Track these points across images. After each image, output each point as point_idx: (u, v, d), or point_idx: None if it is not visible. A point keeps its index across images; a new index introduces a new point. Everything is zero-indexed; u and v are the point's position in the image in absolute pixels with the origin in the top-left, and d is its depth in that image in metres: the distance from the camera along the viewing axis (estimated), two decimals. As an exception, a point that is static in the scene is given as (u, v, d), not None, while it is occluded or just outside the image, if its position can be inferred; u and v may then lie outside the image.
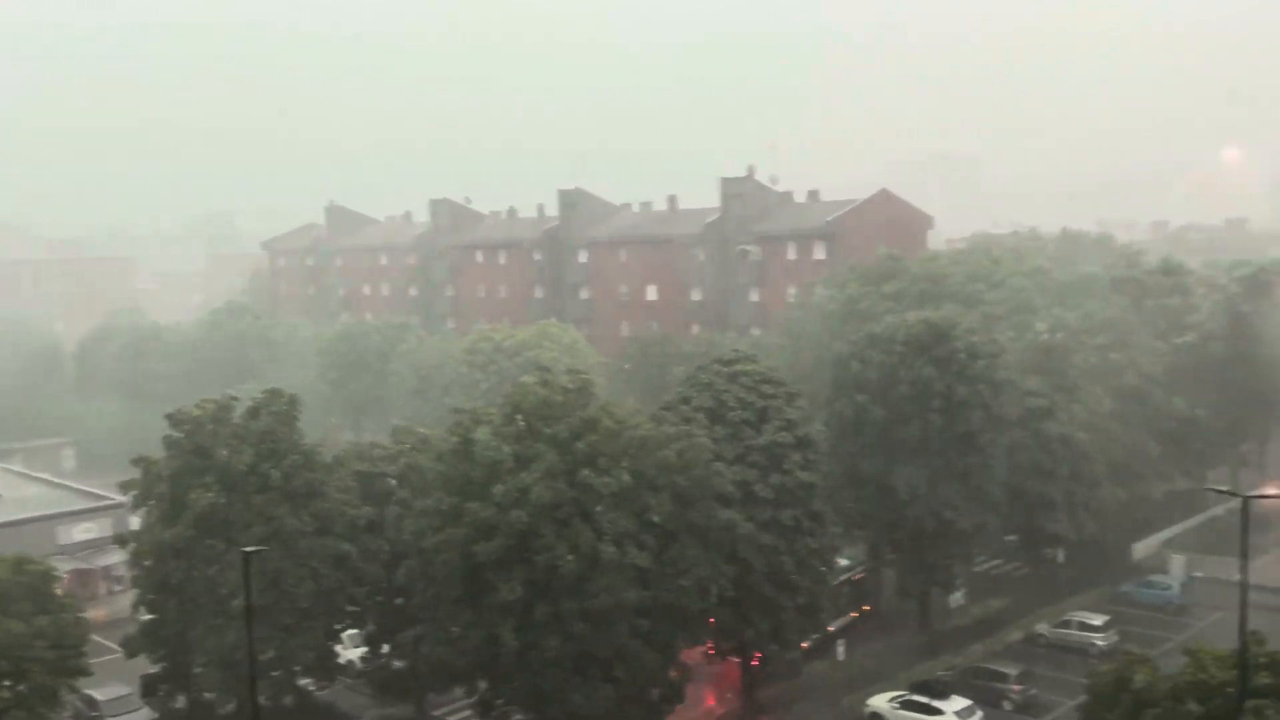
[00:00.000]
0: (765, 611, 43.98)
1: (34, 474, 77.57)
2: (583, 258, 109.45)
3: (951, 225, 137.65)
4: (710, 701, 47.36)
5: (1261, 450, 77.13)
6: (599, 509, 36.91)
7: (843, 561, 52.98)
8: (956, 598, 58.72)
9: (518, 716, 39.24)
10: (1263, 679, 28.60)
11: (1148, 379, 62.58)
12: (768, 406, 44.63)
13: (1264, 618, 33.92)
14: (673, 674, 40.19)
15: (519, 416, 38.76)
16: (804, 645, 48.81)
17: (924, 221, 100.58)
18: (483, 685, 39.66)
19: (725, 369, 45.78)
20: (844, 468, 51.00)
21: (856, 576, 56.01)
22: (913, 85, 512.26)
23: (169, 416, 42.78)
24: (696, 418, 42.63)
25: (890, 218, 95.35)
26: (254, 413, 42.52)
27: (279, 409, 42.40)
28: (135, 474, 42.86)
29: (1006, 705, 47.09)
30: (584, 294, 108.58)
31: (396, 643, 45.26)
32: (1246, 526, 28.90)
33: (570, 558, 35.57)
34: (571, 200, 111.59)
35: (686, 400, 44.89)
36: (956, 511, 51.45)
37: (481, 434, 38.32)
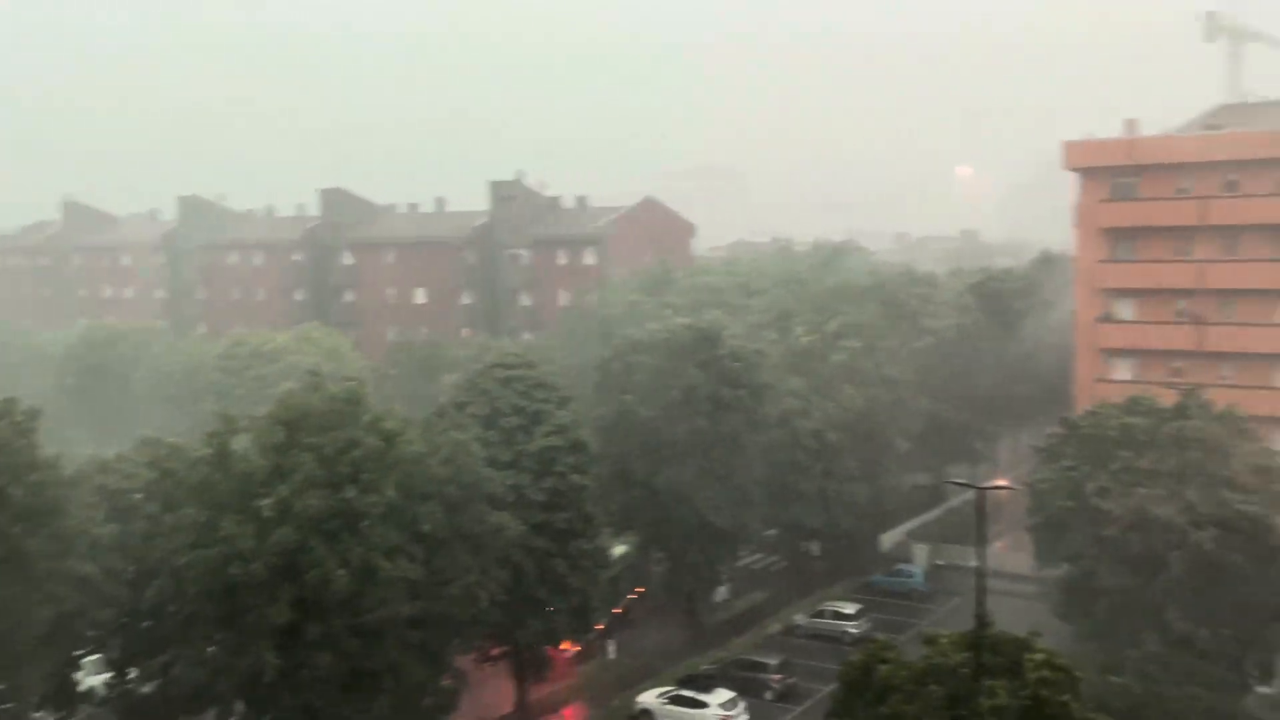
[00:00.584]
0: (537, 613, 44.08)
1: None
2: (347, 259, 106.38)
3: (714, 234, 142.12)
4: (484, 706, 46.95)
5: (994, 446, 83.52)
6: (366, 524, 35.94)
7: (618, 550, 53.60)
8: (721, 593, 60.70)
9: (282, 736, 37.64)
10: (994, 659, 30.90)
11: (894, 381, 66.61)
12: (540, 411, 44.76)
13: (996, 600, 36.75)
14: (445, 681, 39.67)
15: (280, 427, 37.23)
16: (573, 646, 49.23)
17: (687, 229, 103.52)
18: (240, 707, 37.86)
19: (500, 374, 45.59)
20: (613, 470, 51.77)
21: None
22: (677, 98, 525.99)
23: None
24: (469, 424, 42.25)
25: (656, 225, 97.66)
26: None
27: (18, 421, 38.98)
28: None
29: (768, 695, 49.01)
30: (349, 297, 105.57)
31: (146, 667, 42.54)
32: (982, 516, 31.13)
33: (342, 573, 34.50)
34: (334, 200, 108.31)
35: (461, 406, 44.42)
36: (720, 510, 53.24)
37: (239, 444, 36.62)
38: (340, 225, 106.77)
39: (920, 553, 67.13)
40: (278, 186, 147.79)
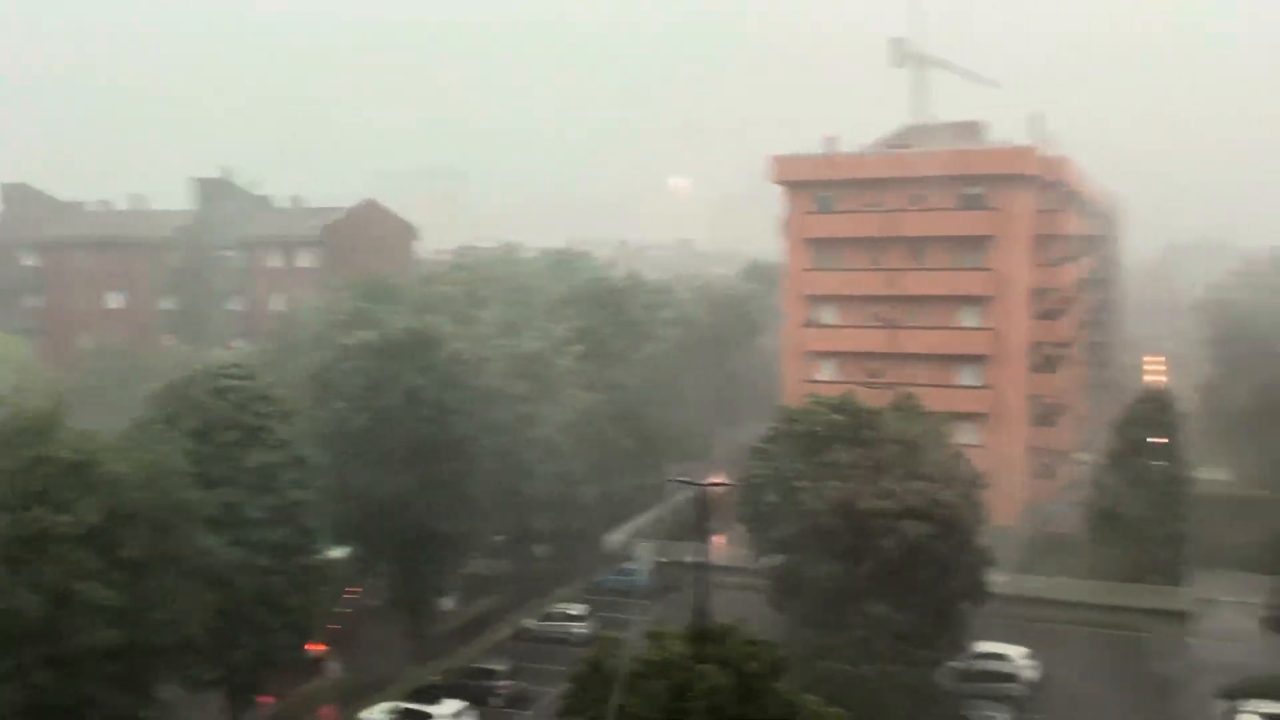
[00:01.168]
0: (253, 634, 41.87)
1: None
2: (30, 261, 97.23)
3: (438, 237, 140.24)
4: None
5: (713, 445, 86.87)
6: (62, 548, 32.88)
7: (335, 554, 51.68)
8: (449, 601, 59.91)
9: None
10: (712, 648, 32.22)
11: (620, 385, 68.05)
12: (259, 426, 42.56)
13: (717, 593, 38.21)
14: (146, 715, 36.88)
15: None
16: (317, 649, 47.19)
17: (409, 232, 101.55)
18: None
19: (213, 385, 42.94)
20: (332, 480, 49.97)
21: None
22: (397, 99, 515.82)
23: None
24: (176, 439, 39.52)
25: (376, 228, 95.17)
26: None
27: None
28: None
29: (497, 701, 48.82)
30: (33, 302, 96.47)
31: None
32: (703, 513, 32.33)
33: (35, 600, 31.40)
34: (16, 196, 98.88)
35: (170, 420, 41.40)
36: (446, 517, 52.51)
37: None
38: (21, 223, 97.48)
39: (644, 551, 68.92)
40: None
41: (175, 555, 36.39)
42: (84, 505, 33.61)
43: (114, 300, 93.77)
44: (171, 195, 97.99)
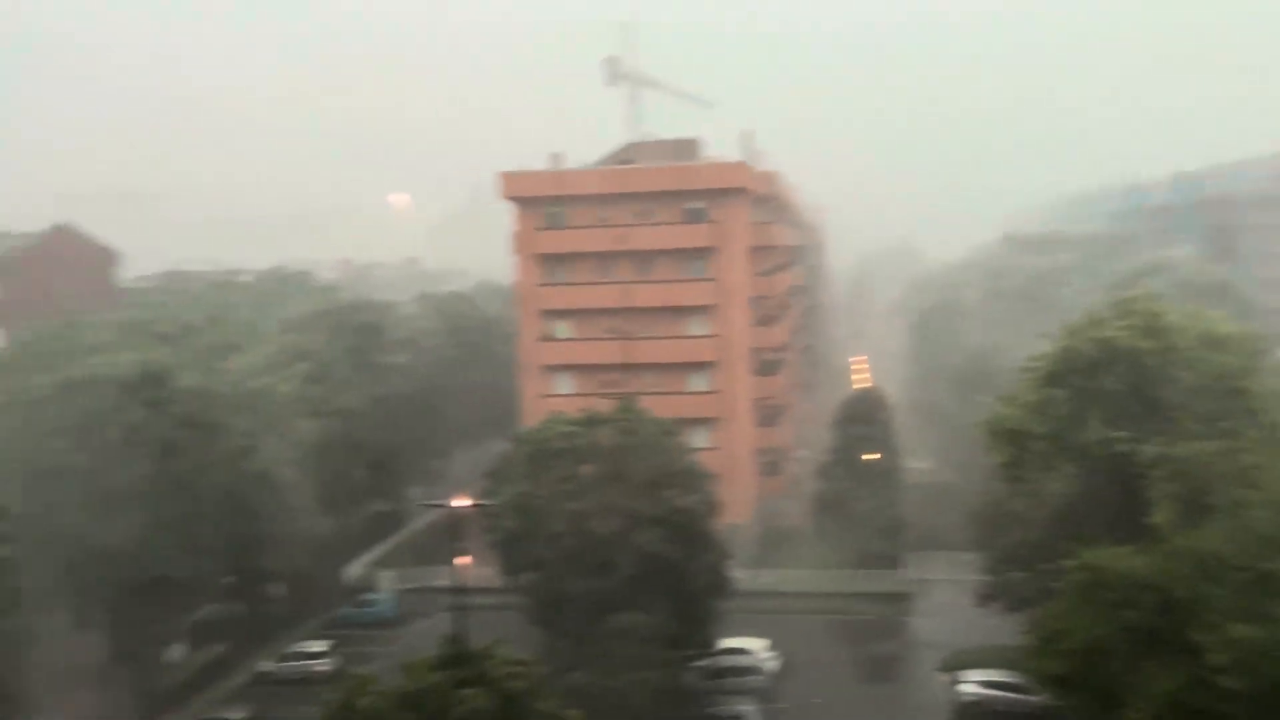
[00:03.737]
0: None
1: None
2: None
3: (138, 262, 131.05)
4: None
5: (451, 465, 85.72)
6: None
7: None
8: (176, 650, 55.90)
9: None
10: (468, 672, 31.75)
11: (347, 410, 65.73)
12: None
13: (471, 615, 37.61)
14: None
15: None
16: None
17: (110, 257, 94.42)
18: None
19: None
20: (40, 527, 45.61)
21: None
22: (78, 114, 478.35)
23: None
24: None
25: (71, 254, 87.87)
26: None
27: None
28: None
29: (238, 753, 46.02)
30: None
31: None
32: (455, 533, 31.76)
33: None
34: None
35: None
36: (171, 562, 49.05)
37: None
38: None
39: (385, 579, 66.99)
40: None
41: None
42: None
43: None
44: None
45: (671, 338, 69.57)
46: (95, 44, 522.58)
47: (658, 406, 55.68)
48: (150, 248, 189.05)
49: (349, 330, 71.81)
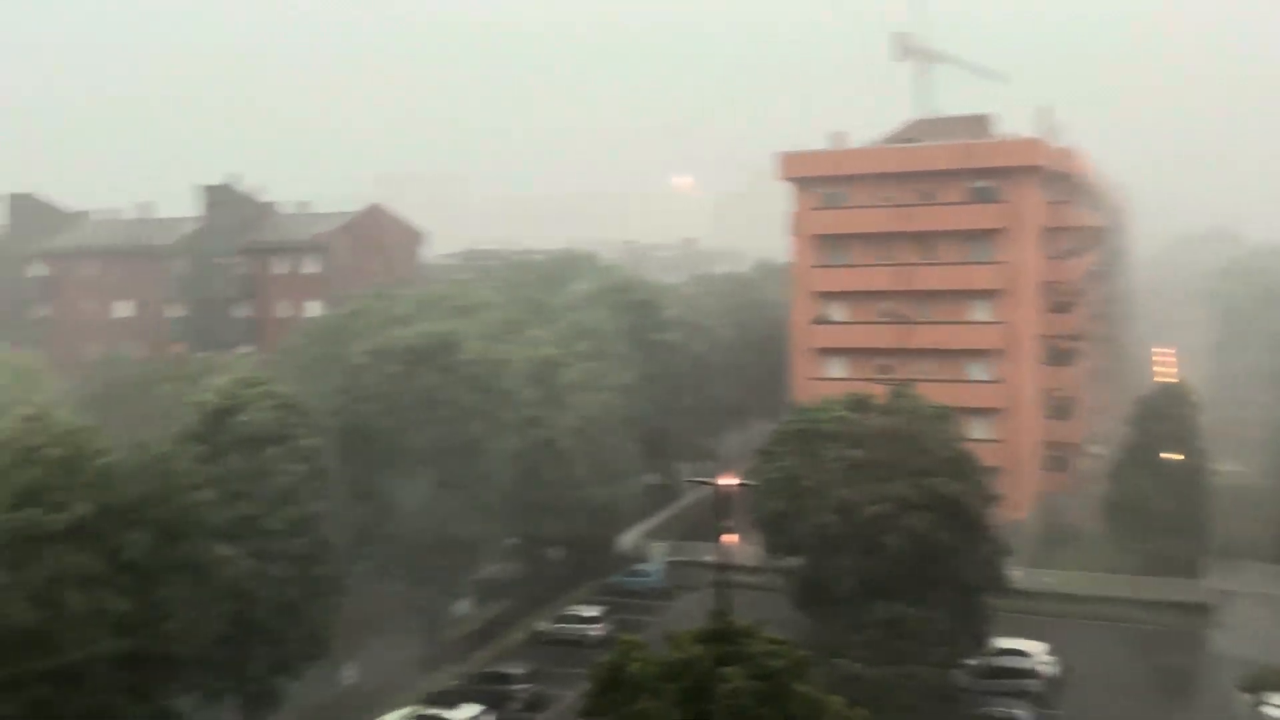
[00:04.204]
0: (269, 643, 41.73)
1: None
2: (39, 271, 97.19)
3: (441, 241, 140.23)
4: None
5: (721, 444, 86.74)
6: (55, 548, 32.60)
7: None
8: (463, 606, 59.75)
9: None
10: (730, 649, 32.00)
11: (624, 386, 67.77)
12: (285, 435, 42.46)
13: (735, 592, 37.92)
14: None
15: None
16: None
17: (415, 237, 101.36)
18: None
19: (239, 396, 42.72)
20: (350, 484, 49.93)
21: None
22: (398, 102, 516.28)
23: None
24: (193, 449, 39.48)
25: (382, 232, 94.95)
26: None
27: None
28: None
29: (515, 705, 48.59)
30: (42, 312, 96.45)
31: None
32: (722, 511, 32.05)
33: (24, 605, 31.06)
34: (23, 207, 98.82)
35: (205, 438, 41.14)
36: (461, 521, 52.42)
37: None
38: (27, 235, 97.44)
39: (657, 551, 68.68)
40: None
41: (186, 563, 36.19)
42: (74, 500, 33.21)
43: (122, 309, 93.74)
44: (179, 203, 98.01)
45: (953, 323, 67.15)
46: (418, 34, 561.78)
47: (935, 394, 54.05)
48: (453, 227, 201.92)
49: (628, 309, 73.87)
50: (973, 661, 47.06)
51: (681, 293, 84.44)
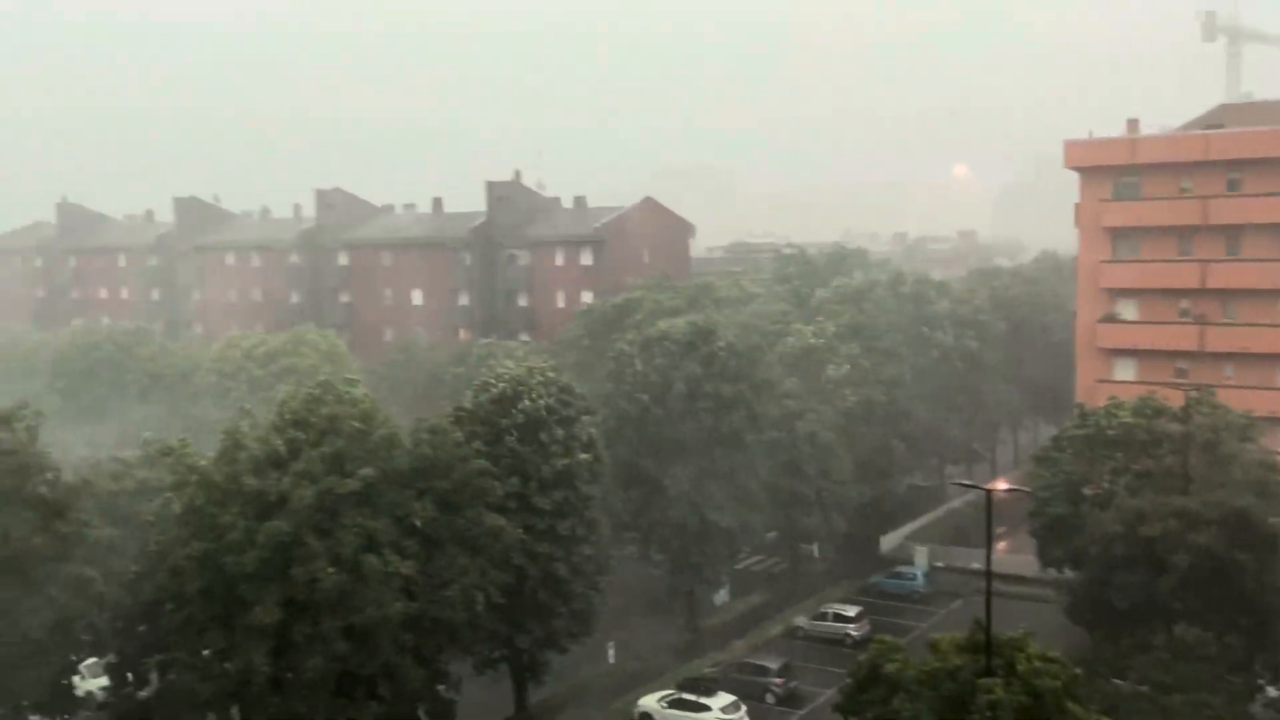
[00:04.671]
0: (538, 618, 43.68)
1: None
2: (343, 260, 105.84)
3: (710, 234, 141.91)
4: (480, 710, 46.44)
5: (993, 446, 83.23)
6: (347, 514, 35.38)
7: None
8: (721, 595, 60.32)
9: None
10: (993, 661, 30.64)
11: (891, 382, 66.19)
12: (565, 418, 44.35)
13: (1000, 603, 36.35)
14: (441, 688, 39.13)
15: (289, 424, 36.83)
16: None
17: (686, 229, 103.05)
18: (235, 713, 37.30)
19: (525, 382, 44.94)
20: (618, 470, 51.43)
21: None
22: (671, 97, 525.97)
23: None
24: (477, 431, 41.93)
25: (655, 225, 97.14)
26: (5, 425, 38.58)
27: (29, 425, 38.73)
28: None
29: (769, 698, 48.59)
30: (344, 298, 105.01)
31: (139, 671, 42.10)
32: (990, 518, 30.77)
33: (331, 570, 33.95)
34: (330, 201, 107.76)
35: (488, 420, 43.66)
36: (722, 510, 52.94)
37: (252, 440, 36.37)
38: (337, 226, 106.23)
39: (920, 554, 66.80)
40: (273, 187, 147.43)
41: (463, 533, 38.44)
42: (365, 468, 35.89)
43: (416, 297, 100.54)
44: (469, 199, 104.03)
45: (1262, 325, 61.39)
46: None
47: (1237, 401, 49.67)
48: (723, 221, 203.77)
49: (898, 303, 72.07)
50: (1273, 693, 42.94)
51: (955, 287, 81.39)
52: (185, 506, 36.36)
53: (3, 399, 43.04)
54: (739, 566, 63.74)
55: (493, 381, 45.33)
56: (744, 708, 46.43)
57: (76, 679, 41.80)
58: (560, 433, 43.84)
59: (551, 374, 45.95)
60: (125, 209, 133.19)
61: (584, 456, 44.09)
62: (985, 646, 30.07)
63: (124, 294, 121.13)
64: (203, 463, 37.44)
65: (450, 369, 68.96)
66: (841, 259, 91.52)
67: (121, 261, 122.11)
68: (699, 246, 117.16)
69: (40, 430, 40.00)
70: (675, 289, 73.53)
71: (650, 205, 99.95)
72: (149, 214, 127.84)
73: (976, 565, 58.08)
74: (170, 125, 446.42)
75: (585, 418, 45.85)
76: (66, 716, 41.16)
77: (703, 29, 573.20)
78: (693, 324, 54.16)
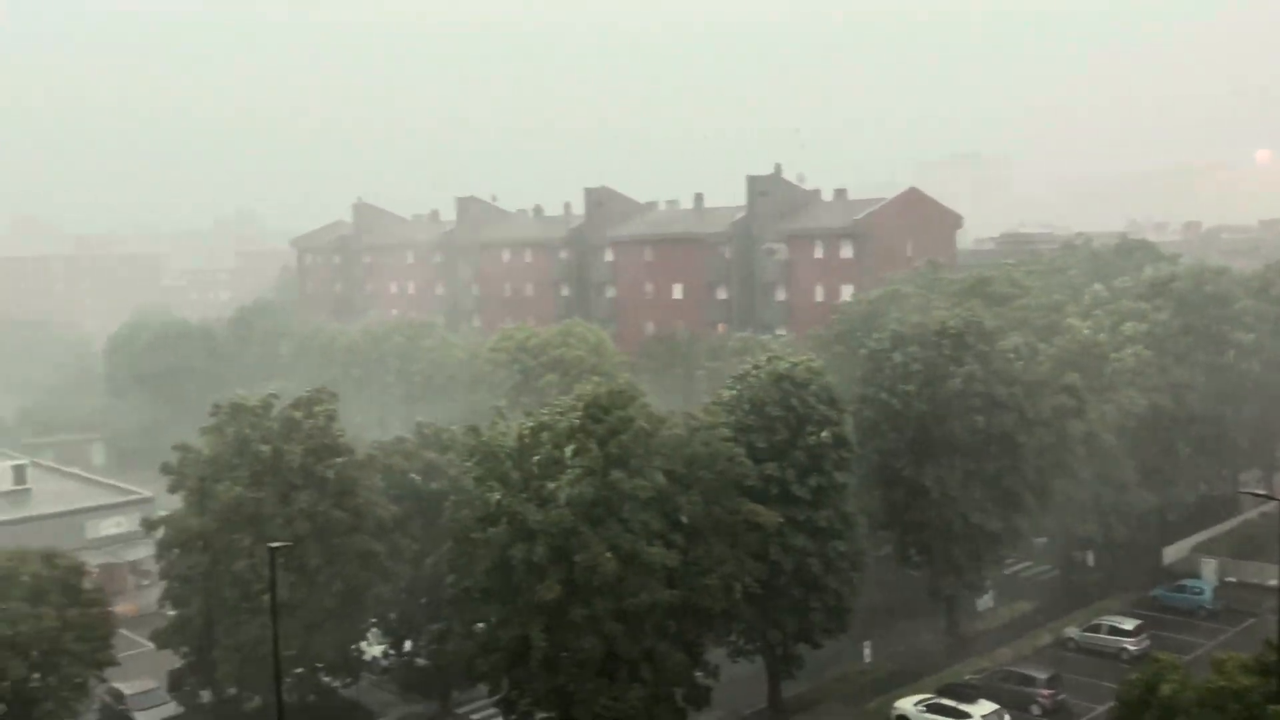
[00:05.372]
0: (793, 611, 43.75)
1: (64, 469, 78.17)
2: (608, 256, 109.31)
3: (978, 225, 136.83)
4: (735, 700, 46.98)
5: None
6: (628, 509, 36.72)
7: None
8: (985, 600, 58.24)
9: (541, 716, 39.06)
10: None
11: (1180, 384, 61.65)
12: (813, 408, 44.29)
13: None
14: (699, 674, 39.98)
15: (576, 415, 38.51)
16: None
17: (953, 221, 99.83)
18: (506, 685, 39.50)
19: (779, 372, 45.26)
20: (874, 465, 50.62)
21: None
22: (939, 84, 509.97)
23: (216, 405, 43.16)
24: (727, 413, 42.56)
25: (919, 216, 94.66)
26: (307, 410, 42.78)
27: (329, 409, 42.82)
28: (170, 465, 43.29)
29: (1035, 710, 46.51)
30: (609, 292, 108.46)
31: (420, 639, 45.34)
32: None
33: (609, 557, 35.38)
34: (598, 198, 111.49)
35: (750, 407, 44.31)
36: (987, 513, 51.09)
37: (547, 434, 38.33)
38: (603, 223, 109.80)
39: (1209, 567, 61.95)
40: (546, 186, 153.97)
41: (724, 524, 39.12)
42: (652, 469, 37.14)
43: (676, 291, 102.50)
44: (729, 193, 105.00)
45: None
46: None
47: None
48: (996, 211, 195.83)
49: (1187, 299, 66.94)
50: None
51: (1255, 283, 74.63)
52: (477, 490, 38.60)
53: (303, 387, 47.44)
54: (1006, 571, 61.28)
55: (749, 372, 45.75)
56: (1007, 717, 44.72)
57: (364, 644, 45.53)
58: (813, 422, 43.70)
59: (807, 366, 45.81)
60: (413, 209, 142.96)
61: (828, 438, 43.61)
62: (1277, 668, 27.78)
63: (410, 289, 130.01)
64: (497, 447, 39.42)
65: (706, 362, 69.95)
66: (1129, 251, 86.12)
67: (409, 258, 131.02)
68: (967, 238, 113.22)
69: (336, 415, 43.86)
70: (939, 281, 71.41)
71: (914, 196, 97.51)
72: (434, 214, 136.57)
73: (1274, 583, 53.38)
74: (458, 129, 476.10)
75: (838, 411, 45.40)
76: (351, 680, 44.95)
77: (970, 12, 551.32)
78: (970, 319, 52.31)
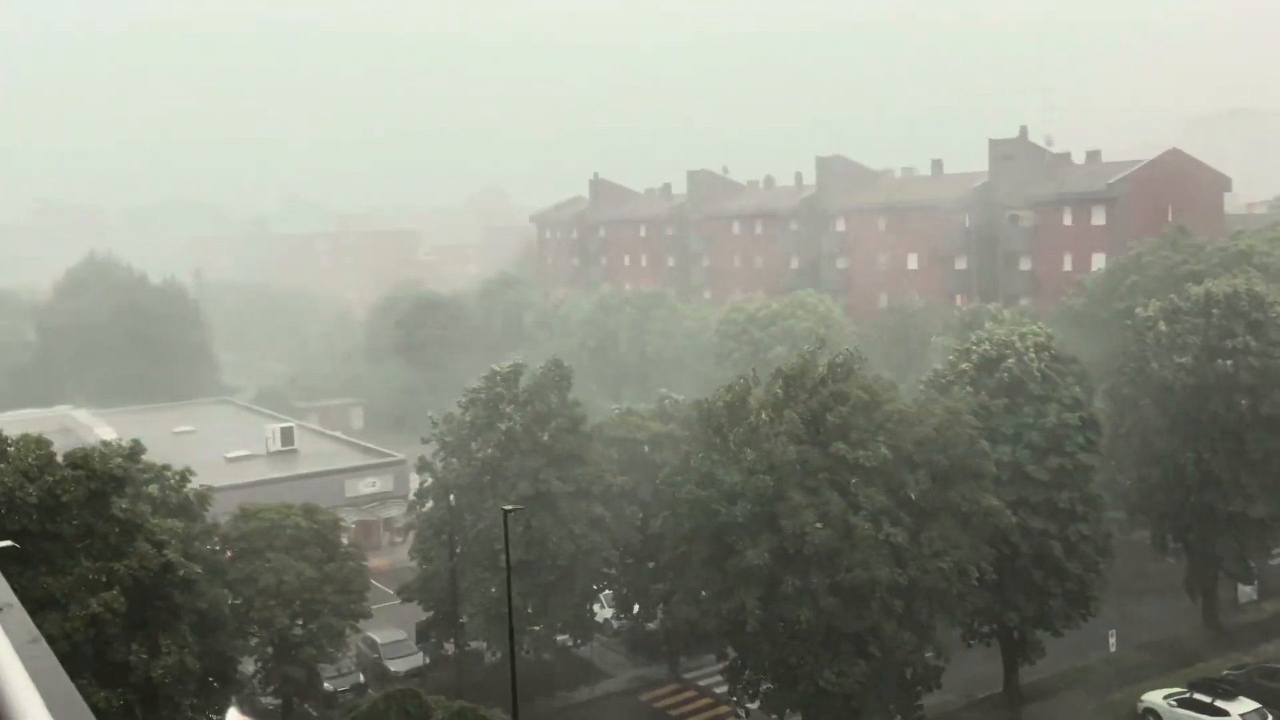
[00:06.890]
0: (1030, 596, 41.94)
1: (326, 431, 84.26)
2: (840, 226, 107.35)
3: (1249, 188, 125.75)
4: (969, 684, 45.59)
5: None
6: (854, 482, 36.22)
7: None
8: (1247, 591, 54.01)
9: (766, 687, 39.17)
10: None
11: None
12: (1054, 386, 42.23)
13: None
14: (930, 655, 39.02)
15: (780, 382, 38.53)
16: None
17: (1220, 184, 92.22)
18: (731, 653, 39.86)
19: (1014, 346, 43.45)
20: (1128, 445, 47.60)
21: None
22: (1206, 37, 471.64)
23: (486, 377, 45.64)
24: (968, 394, 41.08)
25: (1180, 179, 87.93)
26: (540, 379, 44.79)
27: (559, 378, 44.59)
28: (421, 431, 46.39)
29: (1306, 711, 42.85)
30: (840, 264, 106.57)
31: (645, 602, 46.37)
32: None
33: (819, 526, 35.04)
34: (830, 168, 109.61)
35: (963, 376, 42.84)
36: (1254, 500, 47.23)
37: (752, 399, 38.57)
38: (835, 192, 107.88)
39: None
40: (779, 156, 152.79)
41: (957, 507, 37.87)
42: (875, 441, 36.43)
43: (911, 261, 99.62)
44: (972, 159, 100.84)
45: None
46: None
47: None
48: (1264, 172, 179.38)
49: None
50: None
51: None
52: (689, 455, 39.22)
53: (543, 356, 49.24)
54: (1273, 563, 56.56)
55: (974, 345, 43.98)
56: (1270, 717, 41.36)
57: (596, 607, 47.02)
58: (1044, 398, 41.56)
59: (1042, 337, 43.55)
60: (647, 183, 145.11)
61: (1072, 419, 41.30)
62: None
63: (643, 261, 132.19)
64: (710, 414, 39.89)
65: (935, 335, 67.64)
66: None
67: (642, 231, 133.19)
68: (1238, 201, 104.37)
69: (571, 384, 45.37)
70: (1197, 248, 66.10)
71: (1175, 157, 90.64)
72: (666, 187, 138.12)
73: None
74: (695, 103, 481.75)
75: (1075, 382, 42.89)
76: (584, 640, 46.52)
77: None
78: (1249, 290, 48.17)
